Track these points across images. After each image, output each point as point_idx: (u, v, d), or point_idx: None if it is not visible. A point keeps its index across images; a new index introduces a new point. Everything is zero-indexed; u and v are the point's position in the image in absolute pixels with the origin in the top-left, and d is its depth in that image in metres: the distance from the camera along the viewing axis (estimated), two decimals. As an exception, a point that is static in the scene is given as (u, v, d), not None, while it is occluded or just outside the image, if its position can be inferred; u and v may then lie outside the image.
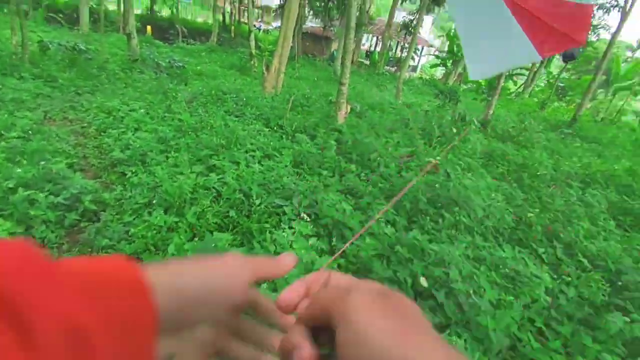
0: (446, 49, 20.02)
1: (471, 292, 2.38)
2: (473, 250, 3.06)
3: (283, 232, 2.43)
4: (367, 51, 26.42)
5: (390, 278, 2.46)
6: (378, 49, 23.58)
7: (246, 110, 6.40)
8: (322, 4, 19.03)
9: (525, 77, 20.88)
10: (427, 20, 25.70)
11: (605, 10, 14.93)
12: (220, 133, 4.71)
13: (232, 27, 22.17)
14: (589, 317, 2.64)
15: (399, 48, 25.62)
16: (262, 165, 4.04)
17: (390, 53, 23.82)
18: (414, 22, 16.16)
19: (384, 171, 4.40)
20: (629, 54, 30.13)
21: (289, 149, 4.66)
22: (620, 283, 3.16)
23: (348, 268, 2.70)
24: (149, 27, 17.56)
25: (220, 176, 3.55)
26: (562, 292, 2.86)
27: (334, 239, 2.97)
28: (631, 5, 12.64)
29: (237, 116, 6.09)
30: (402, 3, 19.63)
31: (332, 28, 20.81)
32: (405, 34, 19.98)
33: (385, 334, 0.22)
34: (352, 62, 17.62)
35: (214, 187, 3.39)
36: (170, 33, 18.48)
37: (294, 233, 2.44)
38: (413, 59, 19.61)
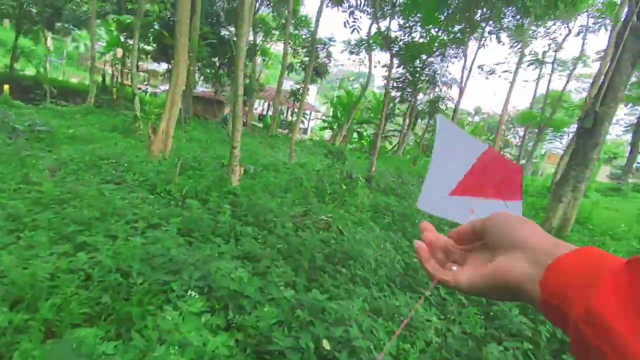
0: (331, 114, 22.18)
1: (372, 347, 2.40)
2: (370, 302, 3.15)
3: (166, 315, 2.11)
4: (260, 115, 27.52)
5: (291, 346, 2.33)
6: (270, 112, 24.81)
7: (128, 177, 5.83)
8: (212, 71, 19.51)
9: (398, 137, 24.25)
10: (313, 89, 28.47)
11: (448, 85, 19.10)
12: (93, 204, 4.13)
13: (114, 89, 20.83)
14: (472, 351, 2.89)
15: (290, 112, 27.42)
16: (146, 237, 3.61)
17: (282, 117, 25.22)
18: (301, 90, 17.64)
19: (280, 231, 4.38)
20: (469, 119, 38.52)
21: (178, 217, 4.31)
22: (492, 313, 3.60)
23: (247, 342, 2.47)
24: (6, 87, 15.28)
25: (92, 255, 3.03)
26: (449, 331, 3.11)
27: (230, 312, 2.73)
28: (465, 83, 17.20)
29: (116, 184, 5.47)
30: (288, 74, 21.42)
31: (223, 92, 21.26)
32: (294, 100, 21.58)
33: (517, 221, 0.43)
34: (246, 125, 18.07)
35: (82, 270, 2.87)
36: (37, 93, 16.36)
37: (181, 314, 2.15)
38: (303, 122, 21.10)
